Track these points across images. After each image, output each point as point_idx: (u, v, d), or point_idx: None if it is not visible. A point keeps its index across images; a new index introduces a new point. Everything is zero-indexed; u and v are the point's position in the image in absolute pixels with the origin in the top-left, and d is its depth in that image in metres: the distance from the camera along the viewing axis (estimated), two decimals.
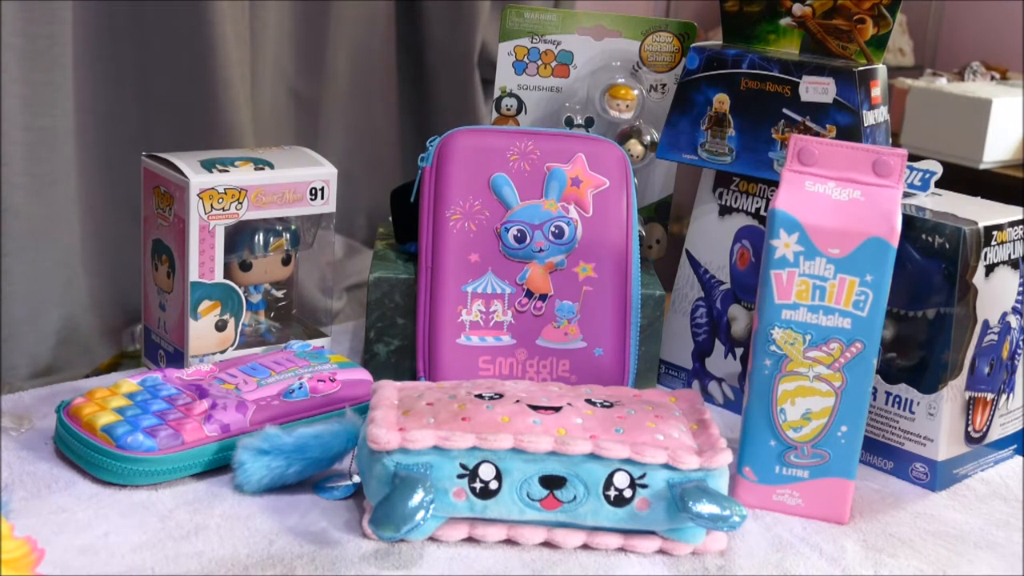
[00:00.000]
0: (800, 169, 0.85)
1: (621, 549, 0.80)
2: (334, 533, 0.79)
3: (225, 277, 1.00)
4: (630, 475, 0.77)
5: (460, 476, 0.77)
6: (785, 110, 0.98)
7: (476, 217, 0.99)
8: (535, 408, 0.80)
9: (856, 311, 0.82)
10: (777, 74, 0.98)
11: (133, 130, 1.65)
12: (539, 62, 1.10)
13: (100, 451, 0.82)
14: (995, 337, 0.93)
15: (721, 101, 1.01)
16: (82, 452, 0.84)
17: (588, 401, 0.83)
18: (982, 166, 2.18)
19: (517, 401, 0.81)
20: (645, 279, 1.05)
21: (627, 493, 0.78)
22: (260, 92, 1.81)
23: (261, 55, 1.80)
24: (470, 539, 0.79)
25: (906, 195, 0.94)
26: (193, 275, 0.97)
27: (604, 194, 1.00)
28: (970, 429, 0.93)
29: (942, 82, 2.33)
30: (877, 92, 0.98)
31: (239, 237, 1.02)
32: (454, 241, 0.98)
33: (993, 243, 0.90)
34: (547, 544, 0.80)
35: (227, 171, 0.98)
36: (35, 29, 1.46)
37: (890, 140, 1.02)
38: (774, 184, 1.00)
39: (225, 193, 0.97)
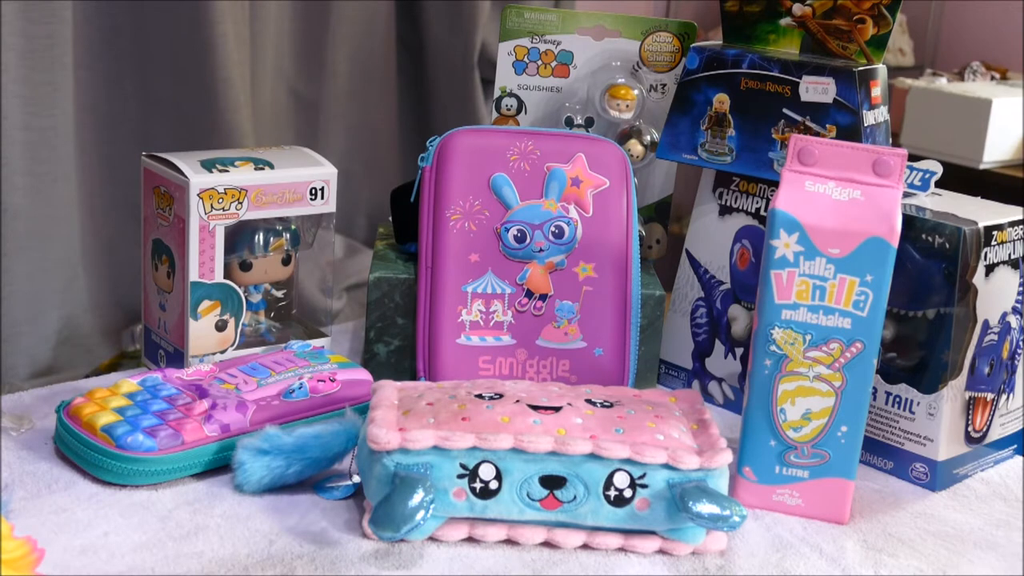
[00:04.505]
0: (800, 169, 0.85)
1: (621, 549, 0.80)
2: (334, 533, 0.79)
3: (225, 277, 1.00)
4: (630, 475, 0.77)
5: (460, 476, 0.77)
6: (785, 110, 0.98)
7: (476, 217, 0.99)
8: (535, 408, 0.80)
9: (856, 311, 0.82)
10: (777, 74, 0.98)
11: (133, 130, 1.65)
12: (539, 62, 1.10)
13: (100, 451, 0.82)
14: (995, 337, 0.93)
15: (721, 101, 1.01)
16: (82, 452, 0.84)
17: (588, 401, 0.83)
18: (982, 166, 2.18)
19: (517, 401, 0.81)
20: (645, 279, 1.05)
21: (627, 493, 0.78)
22: (260, 92, 1.81)
23: (261, 55, 1.80)
24: (470, 539, 0.79)
25: (906, 195, 0.94)
26: (193, 275, 0.97)
27: (604, 194, 1.00)
28: (970, 429, 0.93)
29: (942, 82, 2.33)
30: (877, 92, 0.98)
31: (239, 237, 1.02)
32: (454, 241, 0.98)
33: (993, 243, 0.90)
34: (547, 544, 0.80)
35: (227, 171, 0.98)
36: (35, 29, 1.46)
37: (890, 140, 1.02)
38: (774, 184, 1.00)
39: (225, 193, 0.97)
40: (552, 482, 0.77)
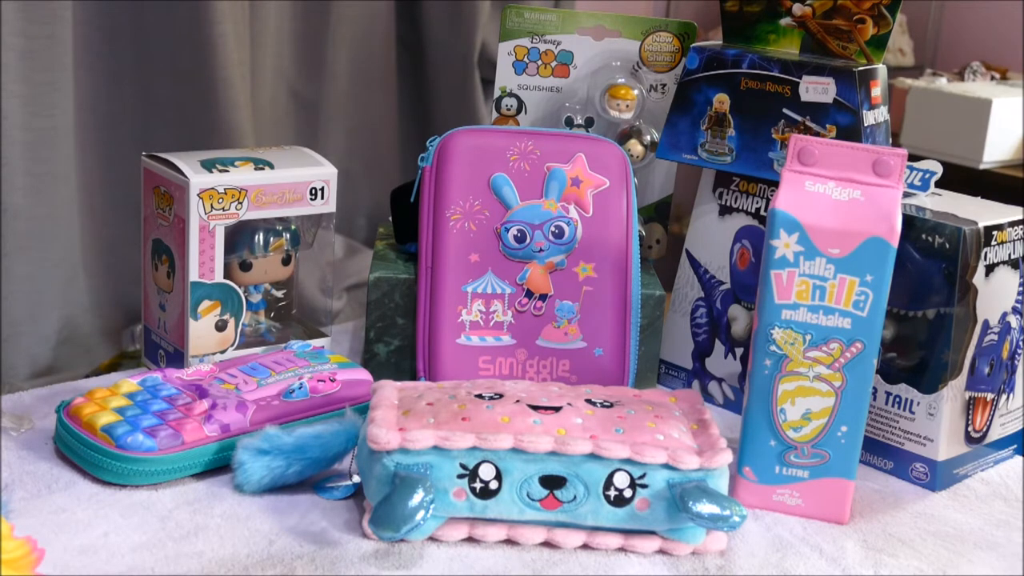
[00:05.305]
0: (800, 169, 0.85)
1: (621, 549, 0.80)
2: (334, 533, 0.79)
3: (225, 277, 1.00)
4: (630, 475, 0.77)
5: (460, 476, 0.77)
6: (785, 110, 0.98)
7: (476, 217, 0.99)
8: (535, 408, 0.80)
9: (856, 311, 0.82)
10: (777, 74, 0.98)
11: (133, 130, 1.65)
12: (539, 62, 1.10)
13: (100, 451, 0.82)
14: (995, 337, 0.93)
15: (721, 101, 1.01)
16: (82, 452, 0.84)
17: (588, 401, 0.83)
18: (982, 166, 2.18)
19: (517, 401, 0.81)
20: (645, 279, 1.05)
21: (627, 493, 0.78)
22: (260, 92, 1.81)
23: (261, 55, 1.80)
24: (470, 539, 0.79)
25: (906, 195, 0.94)
26: (193, 275, 0.97)
27: (604, 194, 1.00)
28: (970, 429, 0.93)
29: (942, 82, 2.33)
30: (877, 92, 0.98)
31: (239, 237, 1.02)
32: (454, 241, 0.98)
33: (993, 243, 0.90)
34: (547, 544, 0.80)
35: (227, 171, 0.98)
36: (35, 29, 1.46)
37: (890, 140, 1.02)
38: (774, 184, 1.00)
39: (225, 193, 0.97)
40: (552, 482, 0.77)
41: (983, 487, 0.93)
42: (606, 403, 0.83)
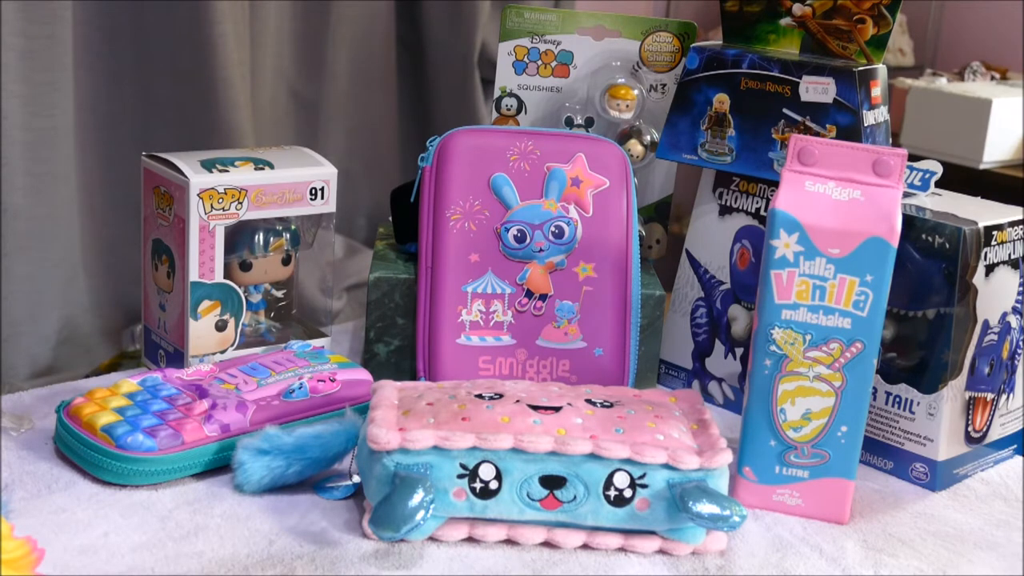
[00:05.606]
0: (800, 169, 0.85)
1: (621, 549, 0.80)
2: (334, 533, 0.79)
3: (225, 277, 1.00)
4: (630, 475, 0.77)
5: (460, 476, 0.77)
6: (785, 110, 0.98)
7: (476, 217, 0.99)
8: (535, 408, 0.80)
9: (856, 311, 0.82)
10: (777, 74, 0.98)
11: (133, 130, 1.65)
12: (539, 62, 1.10)
13: (100, 451, 0.82)
14: (995, 337, 0.93)
15: (721, 101, 1.01)
16: (82, 452, 0.84)
17: (588, 401, 0.83)
18: (982, 166, 2.18)
19: (517, 401, 0.81)
20: (645, 279, 1.05)
21: (627, 493, 0.78)
22: (260, 92, 1.81)
23: (261, 55, 1.80)
24: (470, 539, 0.79)
25: (906, 195, 0.94)
26: (193, 275, 0.97)
27: (604, 194, 1.00)
28: (970, 429, 0.93)
29: (942, 82, 2.33)
30: (877, 92, 0.98)
31: (239, 237, 1.02)
32: (454, 241, 0.98)
33: (993, 243, 0.90)
34: (547, 544, 0.80)
35: (227, 171, 0.98)
36: (35, 29, 1.46)
37: (890, 140, 1.02)
38: (774, 184, 1.00)
39: (225, 193, 0.97)
40: (552, 482, 0.77)
41: (983, 487, 0.93)
42: (606, 403, 0.83)
